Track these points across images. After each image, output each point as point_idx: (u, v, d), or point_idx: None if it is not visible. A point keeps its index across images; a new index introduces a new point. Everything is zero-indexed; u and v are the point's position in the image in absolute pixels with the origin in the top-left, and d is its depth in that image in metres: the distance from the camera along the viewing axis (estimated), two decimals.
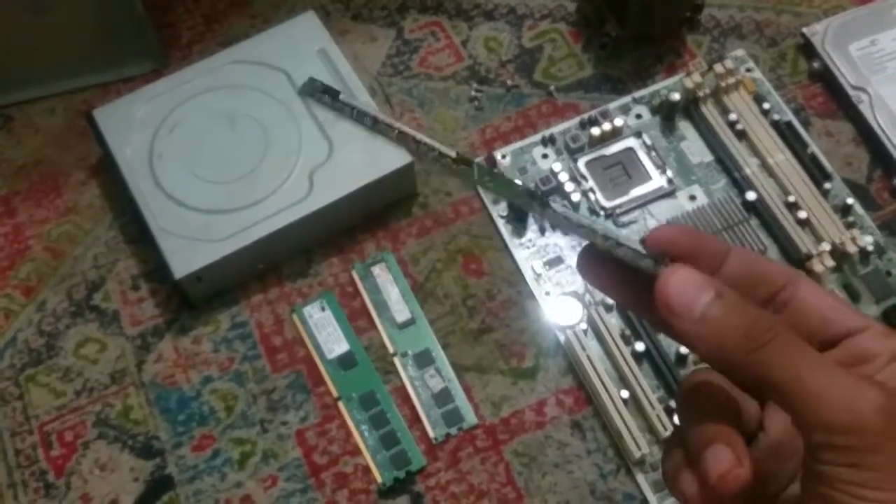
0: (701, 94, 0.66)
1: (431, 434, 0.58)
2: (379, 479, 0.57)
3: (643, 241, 0.32)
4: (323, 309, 0.63)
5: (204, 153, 0.64)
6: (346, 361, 0.61)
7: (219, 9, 0.75)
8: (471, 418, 0.59)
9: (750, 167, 0.65)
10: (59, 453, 0.59)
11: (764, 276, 0.33)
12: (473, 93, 0.71)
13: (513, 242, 0.64)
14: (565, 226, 0.33)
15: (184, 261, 0.60)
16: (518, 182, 0.34)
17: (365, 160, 0.63)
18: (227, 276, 0.62)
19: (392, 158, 0.64)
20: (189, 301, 0.62)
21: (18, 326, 0.64)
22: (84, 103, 0.71)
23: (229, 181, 0.63)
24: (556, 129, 0.67)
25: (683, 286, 0.30)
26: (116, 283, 0.64)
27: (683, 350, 0.59)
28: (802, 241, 0.61)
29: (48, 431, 0.60)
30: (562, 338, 0.60)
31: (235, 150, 0.64)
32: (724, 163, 0.65)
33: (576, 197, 0.64)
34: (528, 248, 0.64)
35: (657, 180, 0.64)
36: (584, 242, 0.33)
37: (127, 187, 0.63)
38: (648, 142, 0.66)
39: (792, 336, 0.30)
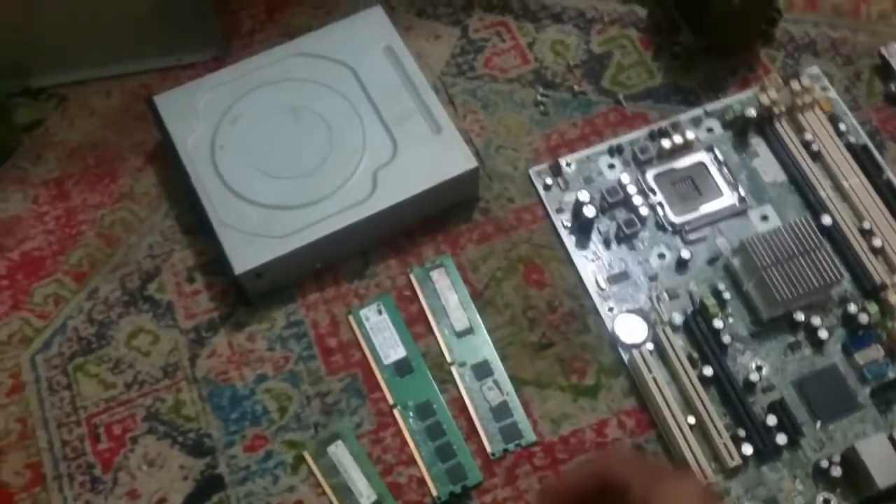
0: (776, 111, 0.65)
1: (489, 449, 0.57)
2: (434, 493, 0.56)
3: None
4: (380, 312, 0.61)
5: (267, 147, 0.63)
6: (402, 368, 0.60)
7: None
8: (529, 435, 0.57)
9: (824, 189, 0.63)
10: (107, 447, 0.58)
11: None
12: (539, 97, 0.69)
13: (576, 254, 0.62)
14: None
15: (244, 256, 0.59)
16: None
17: (430, 162, 0.62)
18: (286, 273, 0.61)
19: (457, 162, 0.62)
20: (246, 297, 0.61)
21: (68, 313, 0.62)
22: (142, 87, 0.70)
23: (292, 177, 0.61)
24: (623, 139, 0.66)
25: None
26: (171, 273, 0.63)
27: (753, 377, 0.57)
28: (877, 270, 0.60)
29: (96, 424, 0.59)
30: (625, 357, 0.59)
31: (299, 145, 0.63)
32: (798, 183, 0.64)
33: (644, 211, 0.62)
34: (592, 260, 0.62)
35: (728, 197, 0.63)
36: None
37: (188, 177, 0.61)
38: (720, 157, 0.64)
39: None
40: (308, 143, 0.63)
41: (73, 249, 0.64)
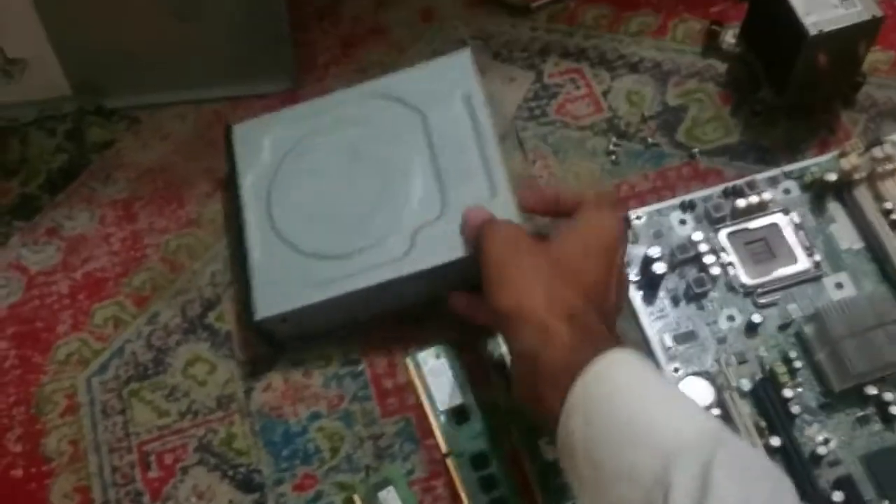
0: (857, 177, 0.63)
1: None
2: None
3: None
4: (438, 356, 0.60)
5: (320, 191, 0.61)
6: (458, 415, 0.58)
7: (357, 33, 0.73)
8: None
9: None
10: (158, 475, 0.58)
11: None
12: (611, 146, 0.68)
13: (642, 310, 0.61)
14: None
15: (268, 302, 0.57)
16: None
17: None
18: (314, 322, 0.60)
19: None
20: (272, 341, 0.60)
21: (127, 337, 0.62)
22: (215, 114, 0.70)
23: (336, 225, 0.60)
24: (696, 195, 0.64)
25: (478, 214, 0.55)
26: (232, 303, 0.63)
27: (820, 450, 0.55)
28: None
29: (148, 451, 0.58)
30: None
31: (350, 192, 0.61)
32: (876, 253, 0.61)
33: (715, 270, 0.61)
34: (659, 317, 0.61)
35: (803, 262, 0.61)
36: None
37: (240, 210, 0.61)
38: (797, 220, 0.62)
39: (496, 225, 0.54)
40: (359, 191, 0.61)
41: (137, 272, 0.65)
